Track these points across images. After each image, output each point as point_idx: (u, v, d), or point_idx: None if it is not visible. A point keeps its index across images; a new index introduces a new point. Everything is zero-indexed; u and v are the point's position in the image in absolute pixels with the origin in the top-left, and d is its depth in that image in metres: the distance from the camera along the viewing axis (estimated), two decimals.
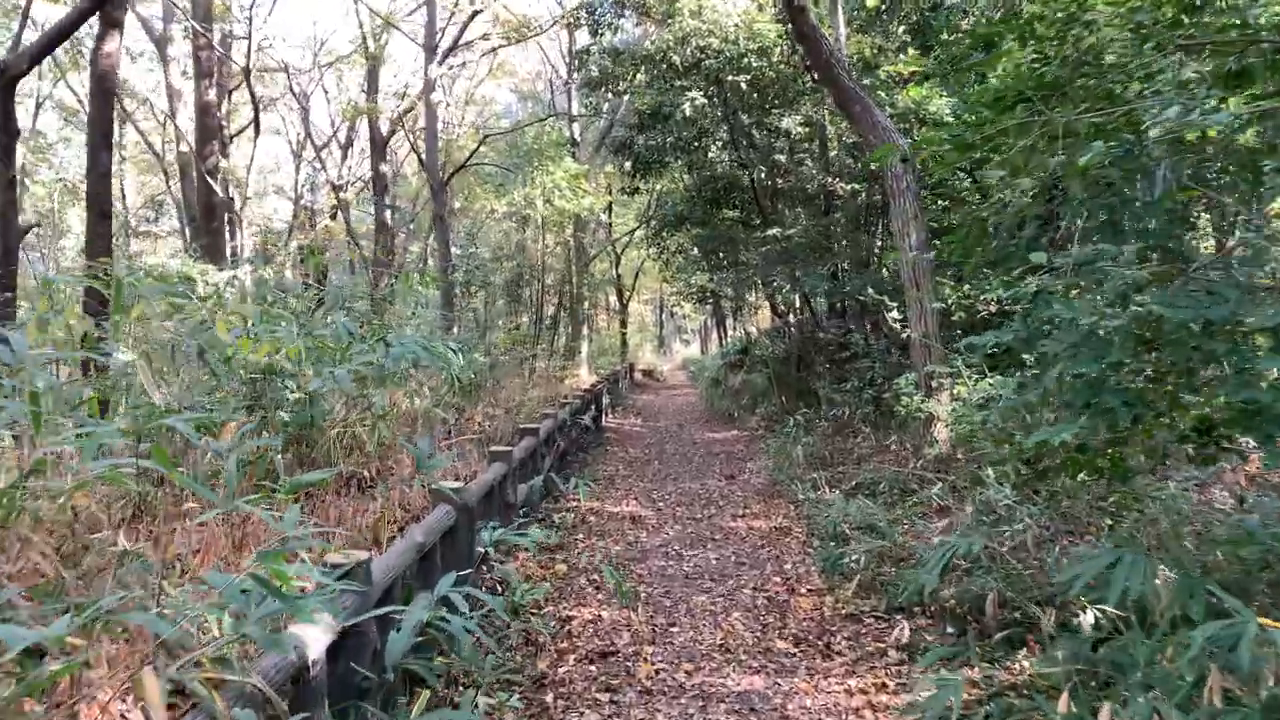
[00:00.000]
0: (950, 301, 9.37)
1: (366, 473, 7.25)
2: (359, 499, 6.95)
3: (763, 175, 14.40)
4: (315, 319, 9.05)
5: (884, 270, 12.03)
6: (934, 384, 10.21)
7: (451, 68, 18.07)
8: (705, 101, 12.21)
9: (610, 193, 27.79)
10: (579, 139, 27.49)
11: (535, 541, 6.01)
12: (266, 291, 10.01)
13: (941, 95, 12.20)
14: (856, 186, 12.66)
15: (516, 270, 20.82)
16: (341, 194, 28.55)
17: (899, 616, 5.97)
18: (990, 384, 8.65)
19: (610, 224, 32.02)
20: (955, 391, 9.78)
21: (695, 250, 15.46)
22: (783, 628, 5.93)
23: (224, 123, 25.37)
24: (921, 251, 10.37)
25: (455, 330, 15.38)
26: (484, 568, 6.11)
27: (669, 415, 21.81)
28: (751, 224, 14.90)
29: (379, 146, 21.84)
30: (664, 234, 16.16)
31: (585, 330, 27.69)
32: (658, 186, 21.03)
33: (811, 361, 18.29)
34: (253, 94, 16.97)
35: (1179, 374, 4.52)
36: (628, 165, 14.62)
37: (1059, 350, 4.24)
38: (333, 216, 31.46)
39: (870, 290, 9.64)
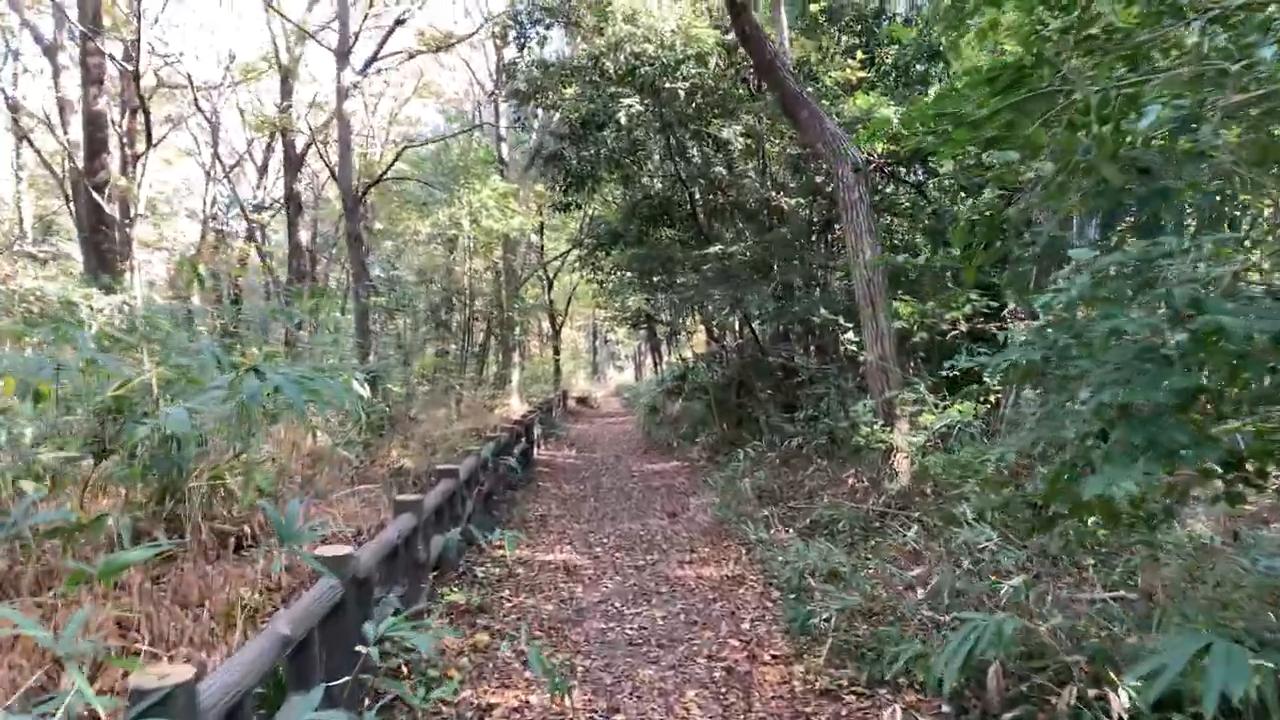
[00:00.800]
0: (911, 320, 8.59)
1: (247, 529, 6.09)
2: (237, 563, 5.78)
3: (701, 191, 13.58)
4: (179, 344, 7.85)
5: (829, 290, 11.28)
6: (894, 411, 9.42)
7: (367, 76, 16.94)
8: (642, 109, 11.35)
9: (541, 213, 26.80)
10: (508, 159, 26.48)
11: (437, 637, 4.89)
12: (147, 316, 8.76)
13: (889, 105, 11.55)
14: (801, 201, 11.91)
15: (442, 294, 19.64)
16: (256, 216, 27.04)
17: (884, 692, 5.04)
18: (959, 411, 7.86)
19: (542, 246, 30.99)
20: (918, 420, 9.00)
21: (631, 271, 14.57)
22: (748, 710, 4.94)
23: (127, 140, 23.73)
24: (876, 267, 9.61)
25: (372, 358, 14.17)
26: (384, 647, 5.00)
27: (605, 445, 20.78)
28: (690, 243, 14.07)
29: (293, 164, 20.52)
30: (598, 254, 15.23)
31: (516, 357, 26.54)
32: (591, 209, 20.17)
33: (753, 388, 17.49)
34: (141, 99, 15.57)
35: (1213, 398, 3.73)
36: (559, 180, 13.67)
37: (1099, 373, 3.38)
38: (249, 238, 29.86)
39: (823, 310, 8.80)
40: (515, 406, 24.73)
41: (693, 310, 22.75)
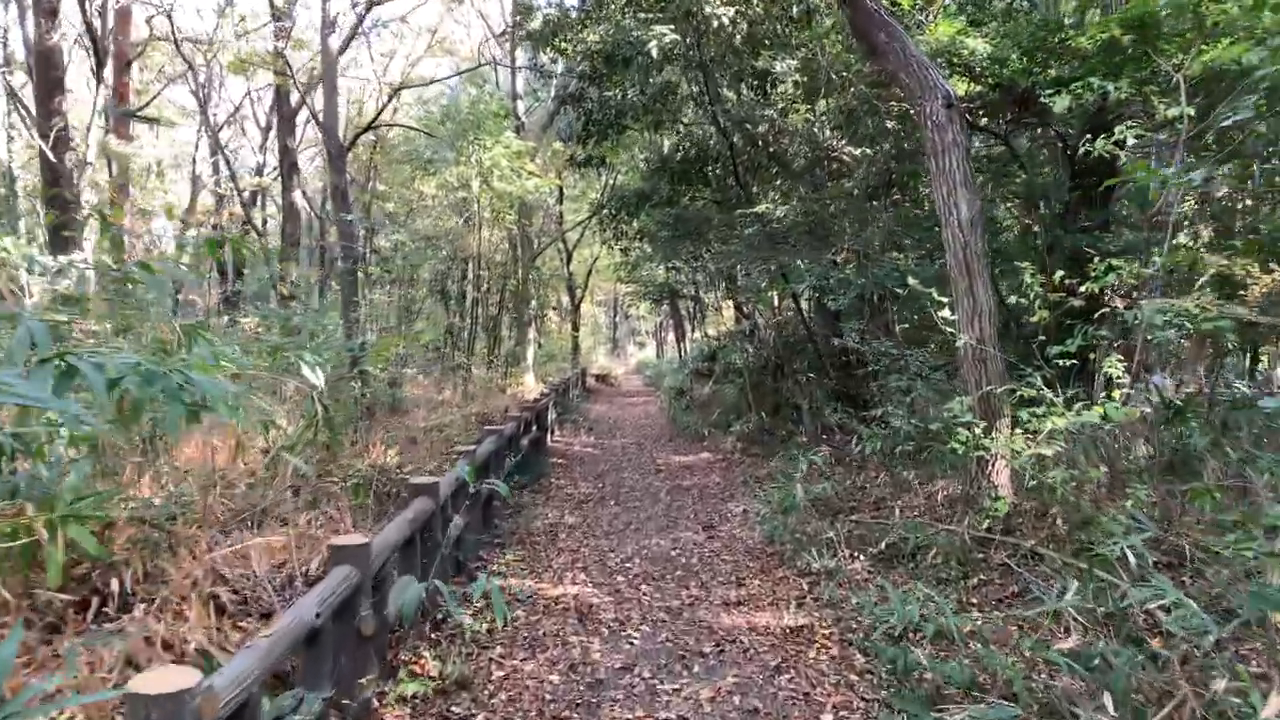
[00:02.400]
0: (1031, 293, 6.62)
1: (118, 582, 4.25)
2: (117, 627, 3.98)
3: (743, 141, 11.57)
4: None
5: (905, 256, 9.29)
6: (996, 409, 7.47)
7: (368, 12, 15.01)
8: (676, 39, 9.40)
9: (560, 177, 24.84)
10: (524, 118, 24.49)
11: None
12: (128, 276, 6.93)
13: (975, 36, 9.52)
14: (868, 151, 9.91)
15: (448, 262, 17.78)
16: (256, 179, 25.25)
17: None
18: (1105, 413, 5.89)
19: (561, 214, 29.03)
20: (1035, 421, 7.02)
21: (661, 235, 12.65)
22: None
23: (116, 98, 22.01)
24: (975, 228, 7.62)
25: (359, 334, 12.34)
26: None
27: (626, 430, 18.92)
28: (727, 204, 12.11)
29: (286, 118, 18.65)
30: (621, 218, 13.31)
31: (532, 333, 24.68)
32: (613, 174, 18.19)
33: (793, 371, 15.55)
34: (89, 26, 13.72)
35: None
36: (579, 129, 11.72)
37: None
38: (251, 202, 28.08)
39: (911, 281, 6.83)
40: (530, 386, 22.93)
41: (722, 283, 20.80)
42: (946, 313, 7.12)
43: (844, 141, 10.13)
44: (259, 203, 27.52)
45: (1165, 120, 7.83)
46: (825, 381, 13.86)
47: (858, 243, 9.13)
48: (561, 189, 26.82)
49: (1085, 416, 5.94)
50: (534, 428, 13.10)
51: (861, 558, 7.45)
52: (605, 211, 13.68)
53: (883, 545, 7.48)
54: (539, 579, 7.21)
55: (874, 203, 10.03)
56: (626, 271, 31.24)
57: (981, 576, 6.66)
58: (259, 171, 27.25)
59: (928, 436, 7.82)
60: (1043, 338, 6.77)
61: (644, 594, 6.83)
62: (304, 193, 25.21)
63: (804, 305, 13.71)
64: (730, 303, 22.85)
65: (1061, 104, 7.70)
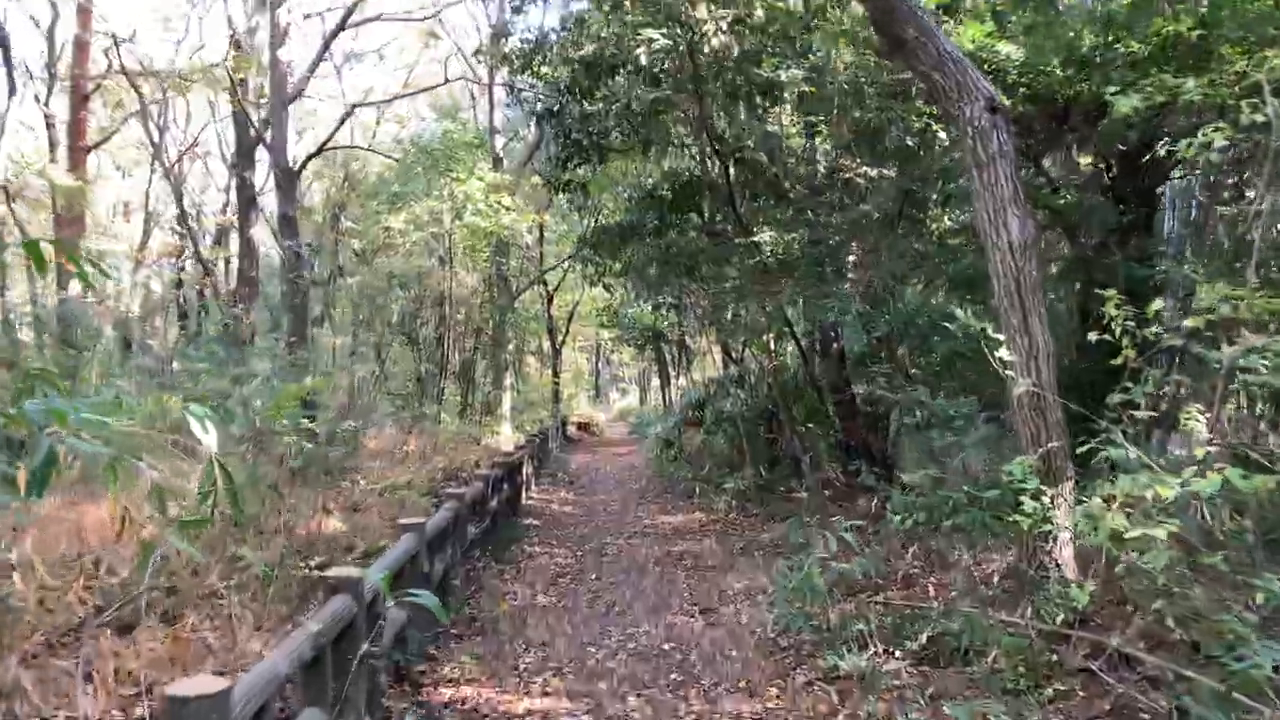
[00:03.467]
0: (1115, 326, 5.34)
1: None
2: None
3: (740, 170, 10.33)
4: None
5: (930, 290, 8.00)
6: (1059, 470, 6.15)
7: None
8: (669, 44, 8.21)
9: (541, 215, 23.65)
10: (502, 154, 23.36)
11: None
12: None
13: (1004, 40, 8.41)
14: (885, 172, 8.67)
15: (416, 303, 16.41)
16: (221, 217, 23.97)
17: None
18: (1223, 479, 4.57)
19: (541, 254, 27.79)
20: (1101, 486, 5.68)
21: (649, 271, 11.37)
22: None
23: (71, 130, 20.81)
24: (1028, 253, 6.37)
25: (311, 377, 10.95)
26: None
27: (609, 485, 17.48)
28: (722, 235, 10.87)
29: (245, 151, 17.35)
30: (605, 252, 12.03)
31: (509, 379, 23.27)
32: (598, 209, 16.97)
33: (790, 420, 14.21)
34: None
35: None
36: (556, 148, 10.46)
37: None
38: (218, 240, 26.71)
39: (960, 312, 5.54)
40: (506, 436, 21.47)
41: (710, 325, 19.52)
42: (1005, 353, 5.81)
43: (857, 161, 8.94)
44: (224, 241, 26.19)
45: (1249, 125, 6.64)
46: (830, 433, 12.54)
47: (876, 275, 7.89)
48: (542, 229, 25.61)
49: (1201, 484, 4.61)
50: (505, 486, 11.67)
51: (898, 654, 6.06)
52: (587, 249, 12.38)
53: (923, 638, 6.09)
54: (501, 687, 5.75)
55: (895, 230, 8.80)
56: (609, 317, 30.00)
57: (1058, 685, 5.28)
58: (226, 209, 25.98)
59: (979, 505, 6.46)
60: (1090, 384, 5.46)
61: (632, 710, 5.38)
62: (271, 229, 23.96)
63: (804, 346, 12.41)
64: (718, 347, 21.59)
65: (1127, 105, 6.50)
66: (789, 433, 14.44)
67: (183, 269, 21.81)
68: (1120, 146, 8.42)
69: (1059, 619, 5.48)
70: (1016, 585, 6.38)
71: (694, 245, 11.06)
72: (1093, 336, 5.94)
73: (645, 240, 11.44)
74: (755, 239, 8.82)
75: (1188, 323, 5.25)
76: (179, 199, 16.24)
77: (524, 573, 9.20)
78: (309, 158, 13.30)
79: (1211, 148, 5.71)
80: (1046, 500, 5.66)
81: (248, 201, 16.72)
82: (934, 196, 9.44)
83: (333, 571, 4.48)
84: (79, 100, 22.75)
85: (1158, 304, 5.36)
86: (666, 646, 6.66)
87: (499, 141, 23.97)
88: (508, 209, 17.65)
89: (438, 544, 7.27)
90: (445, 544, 7.30)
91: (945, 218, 10.33)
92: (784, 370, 15.19)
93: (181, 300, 21.97)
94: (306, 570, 5.91)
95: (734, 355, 19.54)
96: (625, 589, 8.57)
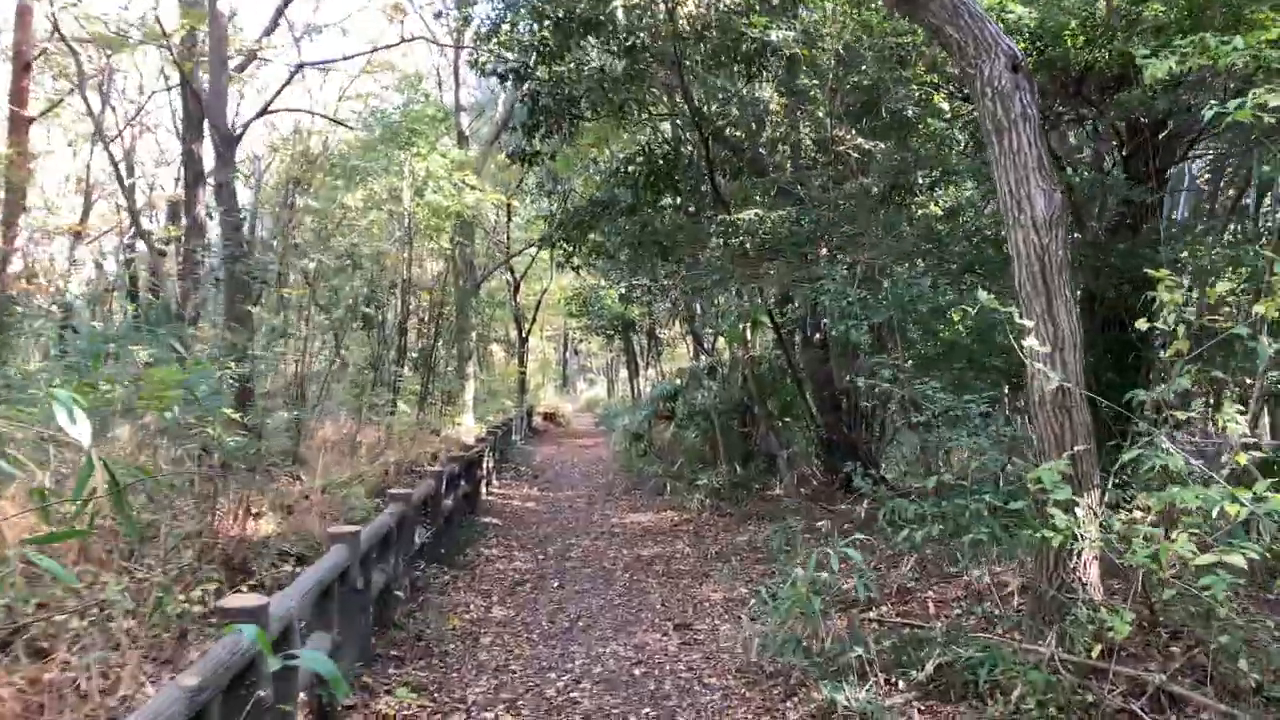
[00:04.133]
0: (1168, 312, 4.60)
1: None
2: None
3: (720, 145, 9.50)
4: None
5: (929, 272, 7.20)
6: (1085, 476, 5.42)
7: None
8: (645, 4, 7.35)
9: (509, 197, 22.71)
10: (466, 133, 22.36)
11: None
12: None
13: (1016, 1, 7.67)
14: (882, 144, 7.88)
15: (372, 286, 15.41)
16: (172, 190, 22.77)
17: None
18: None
19: (509, 239, 26.85)
20: (1151, 500, 4.97)
21: (622, 253, 10.50)
22: None
23: (12, 100, 19.45)
24: (1054, 229, 5.62)
25: (249, 361, 9.95)
26: None
27: (575, 479, 16.64)
28: (701, 214, 10.04)
29: (193, 122, 16.23)
30: (575, 234, 11.13)
31: (472, 368, 22.31)
32: (568, 191, 16.06)
33: (767, 414, 13.48)
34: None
35: None
36: (523, 113, 9.55)
37: None
38: (173, 218, 25.40)
39: (983, 294, 4.78)
40: (468, 427, 20.55)
41: (681, 313, 18.73)
42: (1033, 341, 5.04)
43: (851, 132, 8.15)
44: (178, 218, 24.90)
45: None
46: (810, 428, 11.80)
47: (872, 256, 7.13)
48: (510, 211, 24.70)
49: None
50: (463, 482, 10.78)
51: (902, 685, 5.30)
52: (558, 229, 11.48)
53: (929, 667, 5.33)
54: None
55: (891, 207, 8.03)
56: (578, 306, 29.12)
57: None
58: (178, 184, 24.70)
59: (1001, 515, 5.72)
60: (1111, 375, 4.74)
61: None
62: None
63: (784, 335, 11.64)
64: (689, 337, 20.78)
65: (1160, 69, 5.75)
66: (764, 428, 13.70)
67: (130, 247, 20.56)
68: (1140, 120, 7.71)
69: (1095, 650, 4.73)
70: (1034, 606, 5.64)
71: (670, 225, 10.23)
72: (1113, 327, 5.26)
73: (617, 220, 10.59)
74: (737, 217, 8.00)
75: (1258, 308, 4.50)
76: (118, 173, 15.05)
77: (480, 579, 8.34)
78: (251, 120, 12.27)
79: (1267, 108, 4.99)
80: (1079, 512, 4.93)
81: (195, 176, 15.61)
82: (926, 175, 8.68)
83: (231, 601, 3.61)
84: (20, 69, 21.41)
85: (1222, 286, 4.61)
86: (637, 672, 5.85)
87: (464, 120, 23.01)
88: (472, 188, 16.70)
89: (379, 551, 6.40)
90: (388, 552, 6.43)
91: (934, 203, 9.62)
92: (760, 361, 14.44)
93: (128, 281, 20.75)
94: (202, 597, 4.99)
95: (705, 345, 18.77)
96: (591, 599, 7.75)
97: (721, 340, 17.30)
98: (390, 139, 15.35)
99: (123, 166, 22.37)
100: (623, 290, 8.85)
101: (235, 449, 6.04)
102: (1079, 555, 5.44)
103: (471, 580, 8.29)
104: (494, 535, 10.64)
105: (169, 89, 20.51)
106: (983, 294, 4.95)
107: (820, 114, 8.12)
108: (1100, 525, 5.06)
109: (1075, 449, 5.39)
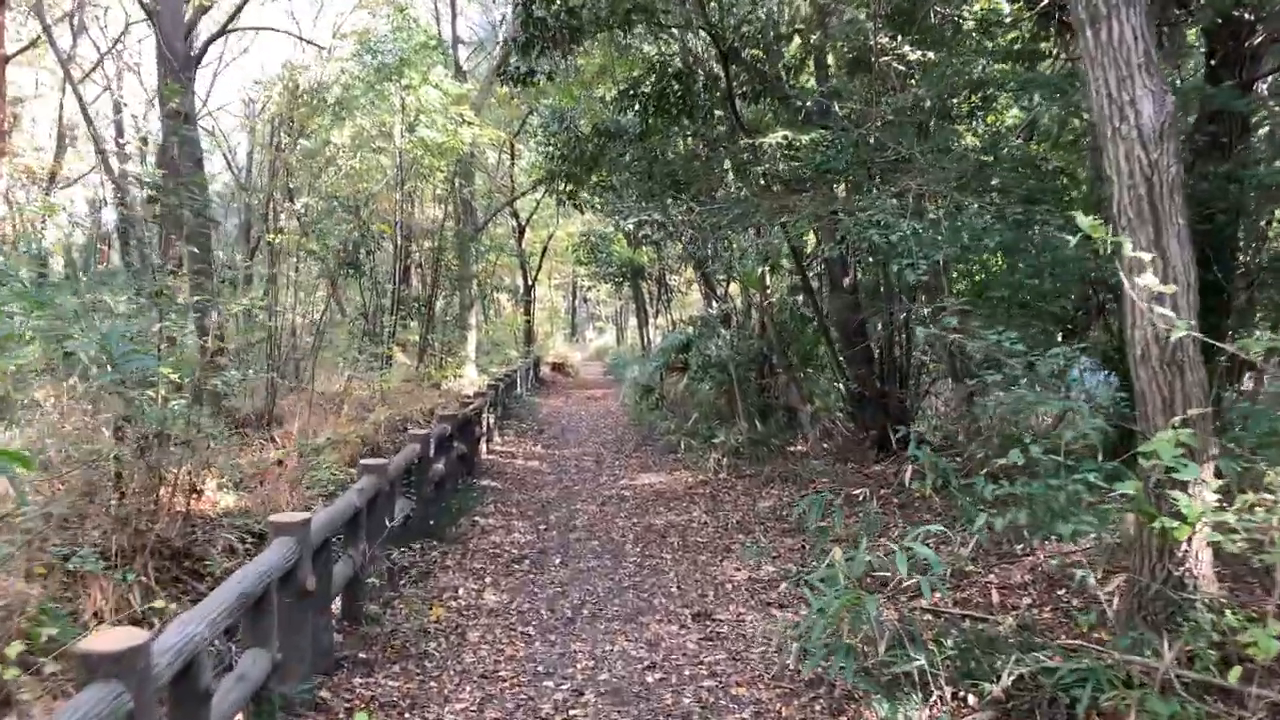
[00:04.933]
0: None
1: None
2: None
3: (735, 62, 8.27)
4: None
5: (990, 204, 6.07)
6: (1200, 448, 4.40)
7: None
8: None
9: (509, 136, 21.48)
10: (464, 67, 21.05)
11: None
12: None
13: None
14: (929, 55, 6.71)
15: (364, 230, 14.31)
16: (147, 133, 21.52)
17: None
18: None
19: (512, 182, 25.63)
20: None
21: (631, 184, 9.41)
22: None
23: None
24: (1165, 141, 4.52)
25: (217, 314, 8.95)
26: None
27: (582, 434, 15.71)
28: (721, 142, 8.89)
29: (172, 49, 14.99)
30: (578, 168, 10.01)
31: (474, 317, 21.30)
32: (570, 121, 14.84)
33: (788, 366, 12.46)
34: None
35: None
36: (516, 25, 8.36)
37: None
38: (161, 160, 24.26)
39: (1084, 218, 3.72)
40: (470, 379, 19.62)
41: (694, 256, 17.59)
42: (1150, 279, 3.97)
43: (897, 40, 6.95)
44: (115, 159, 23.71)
45: None
46: (839, 380, 10.79)
47: (925, 183, 6.03)
48: (513, 150, 23.47)
49: None
50: (457, 441, 9.84)
51: (973, 701, 4.37)
52: (560, 162, 10.33)
53: (1005, 679, 4.38)
54: None
55: (945, 125, 6.90)
56: (586, 252, 27.97)
57: None
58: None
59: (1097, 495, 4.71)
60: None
61: None
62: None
63: (808, 278, 10.56)
64: (700, 283, 19.60)
65: None
66: (786, 380, 12.69)
67: (117, 193, 19.42)
68: (1235, 19, 6.53)
69: (1235, 674, 3.75)
70: (1131, 604, 4.65)
71: (683, 156, 9.09)
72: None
73: (625, 152, 9.45)
74: (761, 141, 6.87)
75: None
76: (85, 112, 13.93)
77: (472, 556, 7.42)
78: (212, 38, 11.03)
79: None
80: (1205, 494, 3.93)
81: (171, 113, 14.44)
82: (979, 92, 7.50)
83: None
84: None
85: None
86: (650, 679, 4.92)
87: (463, 55, 21.69)
88: (469, 123, 15.51)
89: (348, 534, 5.48)
90: (357, 534, 5.49)
91: (971, 132, 8.44)
92: (780, 308, 13.37)
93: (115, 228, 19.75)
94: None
95: (717, 292, 17.62)
96: (598, 580, 6.82)
97: (735, 286, 16.21)
98: (379, 70, 14.13)
99: (109, 104, 21.22)
100: (630, 228, 7.75)
101: (162, 416, 5.07)
102: (1189, 542, 4.46)
103: (463, 557, 7.37)
104: (492, 501, 9.71)
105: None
106: (1084, 219, 3.89)
107: (862, 16, 6.93)
108: (1217, 506, 4.06)
109: (1186, 413, 4.36)
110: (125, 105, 22.57)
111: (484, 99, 20.46)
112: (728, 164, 8.96)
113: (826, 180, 7.01)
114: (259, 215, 19.30)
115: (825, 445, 11.47)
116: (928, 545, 5.14)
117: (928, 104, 6.69)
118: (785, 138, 6.89)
